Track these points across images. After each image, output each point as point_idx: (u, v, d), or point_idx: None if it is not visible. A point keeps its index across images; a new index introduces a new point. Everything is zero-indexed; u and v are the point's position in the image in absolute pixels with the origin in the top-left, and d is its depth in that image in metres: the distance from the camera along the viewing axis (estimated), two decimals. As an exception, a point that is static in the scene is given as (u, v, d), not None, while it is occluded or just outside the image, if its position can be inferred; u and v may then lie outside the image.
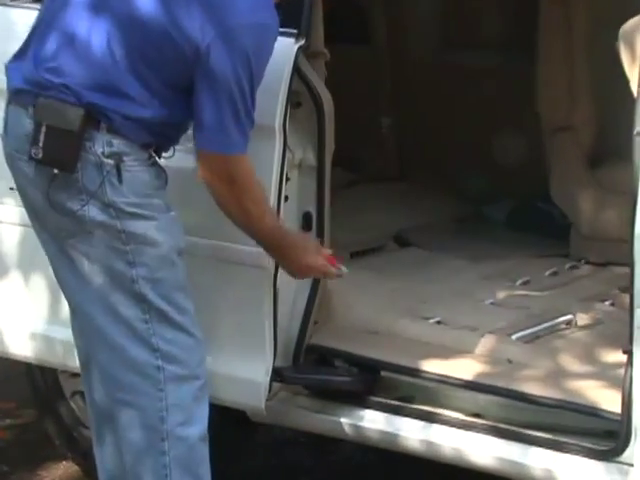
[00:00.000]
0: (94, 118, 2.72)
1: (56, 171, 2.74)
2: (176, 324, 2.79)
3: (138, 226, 2.75)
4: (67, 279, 2.84)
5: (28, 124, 2.75)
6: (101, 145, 2.72)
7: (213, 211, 2.90)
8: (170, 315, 2.79)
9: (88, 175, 2.73)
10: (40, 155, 2.74)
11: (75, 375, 3.51)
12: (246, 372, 3.01)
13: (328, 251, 2.97)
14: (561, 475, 2.89)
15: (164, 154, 2.88)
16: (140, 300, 2.77)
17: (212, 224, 2.98)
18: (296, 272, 2.94)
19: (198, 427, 2.81)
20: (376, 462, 3.51)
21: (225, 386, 3.04)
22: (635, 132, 2.72)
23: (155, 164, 2.83)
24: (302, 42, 2.92)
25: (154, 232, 2.76)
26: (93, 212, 2.73)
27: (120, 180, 2.73)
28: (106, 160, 2.73)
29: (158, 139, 2.82)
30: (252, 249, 2.92)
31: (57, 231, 2.81)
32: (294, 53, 2.91)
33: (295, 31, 2.92)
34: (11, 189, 3.04)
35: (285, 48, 2.89)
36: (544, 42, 3.95)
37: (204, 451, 2.84)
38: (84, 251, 2.77)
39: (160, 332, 2.78)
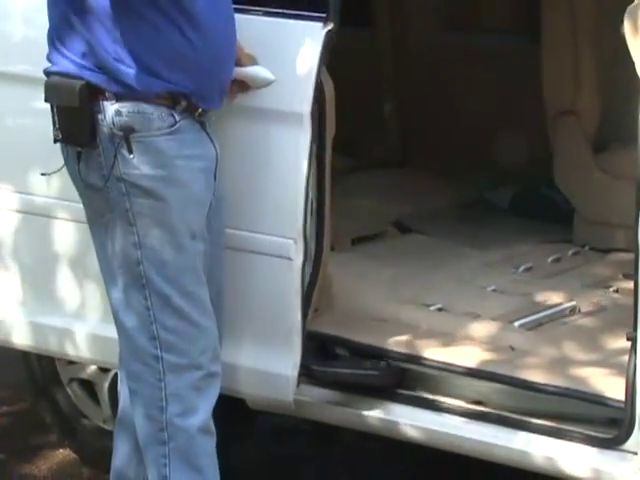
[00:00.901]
0: (95, 87, 2.68)
1: (79, 149, 2.72)
2: (179, 311, 2.74)
3: (145, 205, 2.70)
4: (99, 263, 2.82)
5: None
6: (111, 116, 2.67)
7: (241, 202, 2.90)
8: (173, 300, 2.73)
9: (105, 148, 2.70)
10: (60, 136, 2.74)
11: (72, 362, 3.55)
12: (274, 366, 2.98)
13: None
14: (564, 463, 2.88)
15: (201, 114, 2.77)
16: (143, 285, 2.74)
17: (239, 215, 2.96)
18: None
19: (198, 418, 2.78)
20: (377, 449, 3.50)
21: (252, 380, 3.02)
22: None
23: (181, 131, 2.74)
24: (330, 26, 2.88)
25: (163, 212, 2.71)
26: (112, 188, 2.70)
27: (130, 151, 2.68)
28: (117, 131, 2.68)
29: (165, 81, 2.70)
30: (278, 240, 2.91)
31: (93, 212, 2.79)
32: (323, 37, 2.87)
33: (323, 15, 2.88)
34: (43, 174, 3.04)
35: (313, 32, 2.88)
36: (548, 26, 3.94)
37: (205, 442, 2.81)
38: (108, 231, 2.75)
39: (161, 319, 2.74)
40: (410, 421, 2.96)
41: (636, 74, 2.81)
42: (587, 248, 3.79)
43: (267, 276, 2.98)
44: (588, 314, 3.38)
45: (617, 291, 3.44)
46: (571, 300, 3.42)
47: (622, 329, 2.85)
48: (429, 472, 3.56)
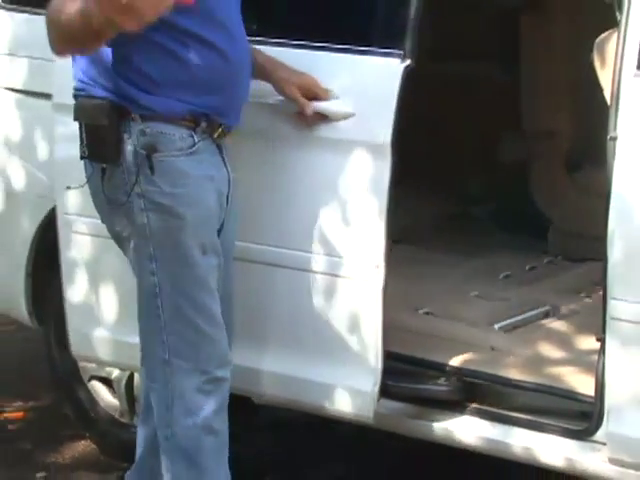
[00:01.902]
0: (123, 108, 2.65)
1: (104, 165, 2.70)
2: (188, 320, 2.72)
3: (162, 221, 2.67)
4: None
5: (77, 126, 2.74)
6: (135, 135, 2.64)
7: (324, 228, 2.88)
8: (183, 310, 2.71)
9: (128, 166, 2.66)
10: (87, 153, 2.72)
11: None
12: (356, 383, 2.92)
13: None
14: (539, 453, 2.89)
15: (219, 134, 2.74)
16: (156, 294, 2.72)
17: (323, 241, 2.92)
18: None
19: (202, 418, 2.74)
20: (375, 440, 3.48)
21: (335, 397, 2.96)
22: (609, 137, 2.72)
23: (199, 152, 2.70)
24: (407, 62, 2.84)
25: (178, 228, 2.67)
26: (133, 203, 2.67)
27: (152, 170, 2.65)
28: (140, 150, 2.65)
29: (186, 103, 2.67)
30: (361, 264, 2.87)
31: (113, 227, 2.76)
32: (401, 73, 2.83)
33: (401, 52, 2.84)
34: (68, 188, 3.02)
35: (392, 68, 2.84)
36: (526, 55, 3.95)
37: (208, 442, 2.76)
38: (130, 244, 2.73)
39: (171, 327, 2.72)
40: (476, 432, 2.94)
41: (604, 99, 2.83)
42: (560, 258, 3.80)
43: (351, 299, 2.92)
44: (561, 318, 3.39)
45: (588, 297, 3.44)
46: (546, 305, 3.43)
47: (592, 331, 2.86)
48: (426, 462, 3.54)
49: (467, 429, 2.94)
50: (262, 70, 2.88)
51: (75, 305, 3.23)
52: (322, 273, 2.93)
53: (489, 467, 3.23)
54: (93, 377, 3.57)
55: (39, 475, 3.55)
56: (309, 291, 2.94)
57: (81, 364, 3.56)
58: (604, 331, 2.75)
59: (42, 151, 3.47)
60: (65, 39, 2.55)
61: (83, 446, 3.69)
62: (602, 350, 2.76)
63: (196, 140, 2.69)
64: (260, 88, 2.89)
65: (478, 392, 3.01)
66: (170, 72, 2.65)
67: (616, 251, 2.71)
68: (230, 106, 2.75)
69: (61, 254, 3.25)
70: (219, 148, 2.76)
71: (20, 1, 3.57)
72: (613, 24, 2.81)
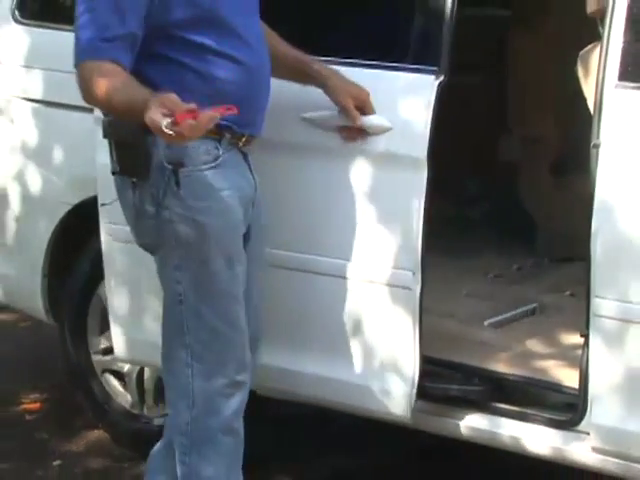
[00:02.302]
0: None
1: (134, 180, 2.67)
2: (210, 327, 2.69)
3: (187, 232, 2.63)
4: None
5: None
6: (162, 150, 2.59)
7: (364, 237, 2.85)
8: (206, 317, 2.68)
9: (155, 180, 2.62)
10: (118, 168, 2.70)
11: (105, 354, 3.56)
12: (395, 385, 2.90)
13: (184, 107, 2.34)
14: (527, 442, 2.90)
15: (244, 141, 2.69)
16: (180, 301, 2.69)
17: (362, 249, 2.89)
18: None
19: (220, 420, 2.73)
20: (374, 429, 3.48)
21: (374, 398, 2.94)
22: (592, 144, 2.74)
23: (224, 163, 2.65)
24: (442, 78, 2.82)
25: (202, 239, 2.63)
26: (160, 215, 2.65)
27: (178, 185, 2.61)
28: (167, 165, 2.61)
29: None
30: (399, 272, 2.85)
31: (143, 240, 2.74)
32: (435, 88, 2.81)
33: (435, 68, 2.82)
34: (103, 205, 3.01)
35: (427, 84, 2.82)
36: (515, 65, 3.97)
37: (226, 442, 2.75)
38: (159, 254, 2.72)
39: (193, 332, 2.69)
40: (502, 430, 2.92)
41: (588, 107, 2.85)
42: (546, 258, 3.81)
43: (389, 305, 2.89)
44: (547, 315, 3.40)
45: (572, 295, 3.46)
46: (533, 303, 3.45)
47: (576, 328, 2.87)
48: (422, 453, 3.54)
49: (498, 428, 2.93)
50: (316, 76, 2.83)
51: (119, 310, 3.21)
52: (362, 281, 2.91)
53: (487, 461, 3.26)
54: (106, 370, 3.58)
55: (55, 463, 3.56)
56: (350, 298, 2.92)
57: (94, 358, 3.57)
58: (588, 327, 2.76)
59: (57, 158, 3.49)
60: (104, 106, 2.56)
61: (96, 436, 3.68)
62: (586, 345, 2.77)
63: (221, 152, 2.65)
64: (300, 102, 2.89)
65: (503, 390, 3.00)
66: (190, 86, 2.59)
67: (599, 252, 2.72)
68: (252, 116, 2.70)
69: (105, 262, 3.23)
70: (244, 155, 2.73)
71: (36, 17, 3.59)
72: (596, 37, 2.83)
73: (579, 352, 2.81)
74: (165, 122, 2.28)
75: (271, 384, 3.07)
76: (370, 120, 2.85)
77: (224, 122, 2.60)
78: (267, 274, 2.91)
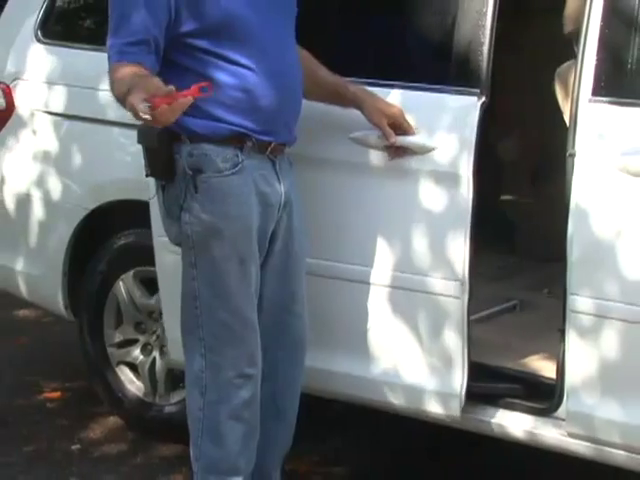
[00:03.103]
0: (173, 131, 2.59)
1: (163, 182, 2.68)
2: (223, 321, 2.68)
3: (203, 234, 2.63)
4: None
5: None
6: (185, 156, 2.60)
7: (414, 249, 2.81)
8: (219, 312, 2.67)
9: (179, 184, 2.62)
10: (149, 172, 2.70)
11: (120, 347, 3.56)
12: (446, 387, 2.87)
13: (163, 90, 2.32)
14: (510, 428, 2.90)
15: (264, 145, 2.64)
16: (195, 296, 2.69)
17: (413, 261, 2.85)
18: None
19: (230, 408, 2.72)
20: (368, 416, 3.47)
21: (426, 399, 2.91)
22: (568, 154, 2.74)
23: (244, 170, 2.62)
24: (483, 99, 2.78)
25: (217, 241, 2.62)
26: (182, 216, 2.65)
27: (196, 189, 2.60)
28: (188, 170, 2.61)
29: (228, 124, 2.59)
30: (448, 282, 2.82)
31: (171, 238, 2.73)
32: (478, 109, 2.77)
33: (477, 90, 2.77)
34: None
35: (470, 105, 2.77)
36: (500, 81, 3.95)
37: (237, 428, 2.74)
38: (181, 252, 2.71)
39: (207, 326, 2.69)
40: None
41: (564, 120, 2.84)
42: (526, 258, 3.78)
43: (440, 312, 2.85)
44: (527, 311, 3.39)
45: (550, 292, 3.44)
46: (513, 299, 3.43)
47: (554, 323, 2.86)
48: (419, 440, 3.52)
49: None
50: (353, 98, 2.79)
51: (172, 316, 3.13)
52: (414, 290, 2.87)
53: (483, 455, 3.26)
54: (120, 362, 3.57)
55: (74, 447, 3.55)
56: (403, 306, 2.88)
57: (110, 351, 3.57)
58: (564, 323, 2.76)
59: (76, 167, 3.48)
60: (120, 100, 2.49)
61: (112, 422, 3.68)
62: (562, 339, 2.77)
63: (240, 159, 2.62)
64: (348, 122, 2.85)
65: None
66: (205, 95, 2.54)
67: (574, 253, 2.72)
68: (273, 123, 2.65)
69: (158, 271, 3.21)
70: (273, 163, 2.69)
71: (56, 37, 3.59)
72: (572, 56, 2.83)
73: (556, 345, 2.80)
74: (142, 106, 2.25)
75: (336, 389, 3.04)
76: (411, 140, 2.80)
77: (243, 130, 2.59)
78: (325, 286, 2.91)
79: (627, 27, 2.69)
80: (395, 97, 2.85)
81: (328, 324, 2.98)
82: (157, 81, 2.36)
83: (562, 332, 2.77)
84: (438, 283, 2.84)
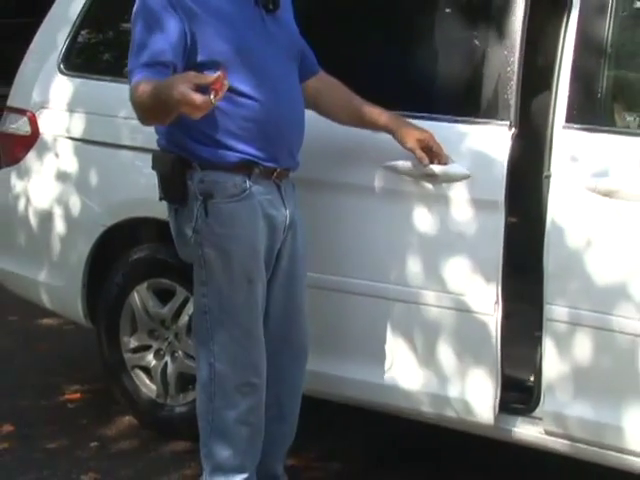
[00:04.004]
0: (185, 159, 2.59)
1: (176, 206, 2.67)
2: (230, 335, 2.67)
3: (213, 255, 2.62)
4: None
5: None
6: (196, 183, 2.57)
7: (450, 269, 2.78)
8: (227, 327, 2.66)
9: (191, 208, 2.61)
10: (162, 196, 2.68)
11: (135, 352, 3.55)
12: (480, 397, 2.84)
13: (210, 77, 2.28)
14: (492, 427, 2.89)
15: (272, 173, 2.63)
16: (205, 312, 2.69)
17: (447, 280, 2.82)
18: (180, 109, 2.31)
19: (237, 413, 2.71)
20: (361, 414, 3.47)
21: (462, 407, 2.88)
22: (544, 175, 2.75)
23: (252, 195, 2.60)
24: (514, 130, 2.74)
25: (225, 261, 2.61)
26: (193, 238, 2.64)
27: (207, 213, 2.59)
28: (199, 196, 2.59)
29: (236, 152, 2.56)
30: (481, 300, 2.78)
31: (183, 257, 2.73)
32: (509, 139, 2.75)
33: (508, 122, 2.74)
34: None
35: (502, 136, 2.74)
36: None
37: (243, 431, 2.74)
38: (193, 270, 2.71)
39: (216, 338, 2.69)
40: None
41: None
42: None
43: (476, 328, 2.81)
44: (507, 318, 3.37)
45: (528, 301, 3.42)
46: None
47: (532, 329, 2.86)
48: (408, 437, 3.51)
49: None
50: (387, 123, 2.76)
51: None
52: (451, 309, 2.84)
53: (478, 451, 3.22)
54: (135, 366, 3.56)
55: (92, 444, 3.54)
56: (442, 324, 2.85)
57: (125, 356, 3.55)
58: (541, 329, 2.76)
59: (94, 187, 3.47)
60: (144, 116, 2.49)
61: (127, 421, 3.67)
62: (539, 344, 2.78)
63: (248, 185, 2.60)
64: (382, 151, 2.82)
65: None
66: (217, 124, 2.55)
67: (550, 266, 2.73)
68: (276, 151, 2.64)
69: None
70: (278, 187, 2.67)
71: (77, 69, 3.58)
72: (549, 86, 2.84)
73: (534, 350, 2.80)
74: (211, 97, 2.20)
75: (383, 400, 3.01)
76: (446, 168, 2.76)
77: (250, 157, 2.59)
78: (370, 304, 2.90)
79: (597, 61, 2.70)
80: (435, 128, 2.79)
81: (372, 340, 2.95)
82: (193, 73, 2.29)
83: (539, 338, 2.77)
84: (475, 302, 2.80)
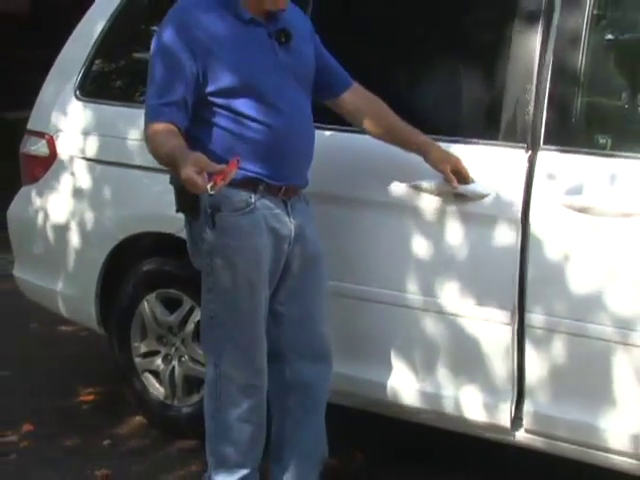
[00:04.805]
0: None
1: (190, 218, 2.67)
2: (234, 338, 2.66)
3: (219, 263, 2.61)
4: None
5: None
6: (206, 197, 2.53)
7: (469, 282, 2.74)
8: (231, 332, 2.66)
9: (201, 219, 2.62)
10: (178, 208, 2.69)
11: (145, 357, 3.53)
12: (498, 402, 2.79)
13: (217, 167, 2.33)
14: (477, 426, 2.88)
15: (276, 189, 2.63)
16: (212, 317, 2.69)
17: (467, 292, 2.78)
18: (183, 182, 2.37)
19: (239, 412, 2.71)
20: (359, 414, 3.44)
21: (480, 413, 2.83)
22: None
23: (257, 209, 2.60)
24: (530, 152, 2.70)
25: (230, 270, 2.61)
26: (203, 247, 2.65)
27: (214, 225, 2.60)
28: (208, 209, 2.60)
29: (242, 170, 2.50)
30: (499, 310, 2.74)
31: (196, 264, 2.72)
32: (526, 161, 2.70)
33: (524, 144, 2.70)
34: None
35: (519, 158, 2.70)
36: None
37: (246, 428, 2.73)
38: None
39: (221, 342, 2.68)
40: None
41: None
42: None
43: (493, 337, 2.77)
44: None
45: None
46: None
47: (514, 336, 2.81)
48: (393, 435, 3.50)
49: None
50: (421, 145, 2.74)
51: None
52: (466, 317, 2.81)
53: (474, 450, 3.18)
54: (145, 370, 3.55)
55: (105, 442, 3.52)
56: (465, 333, 2.81)
57: (136, 360, 3.54)
58: (522, 336, 2.75)
59: (107, 203, 3.47)
60: (155, 159, 2.54)
61: (137, 421, 3.65)
62: (521, 350, 2.76)
63: (253, 200, 2.61)
64: (409, 171, 2.80)
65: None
66: (226, 145, 2.58)
67: (529, 277, 2.72)
68: (284, 171, 2.64)
69: None
70: (285, 203, 2.67)
71: (92, 95, 3.58)
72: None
73: (516, 355, 2.78)
74: (210, 186, 2.28)
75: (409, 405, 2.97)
76: (467, 188, 2.74)
77: (255, 175, 2.60)
78: (393, 313, 2.88)
79: (571, 88, 2.70)
80: (456, 150, 2.78)
81: (405, 352, 2.93)
82: (204, 157, 2.35)
83: (520, 344, 2.76)
84: (491, 312, 2.75)
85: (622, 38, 2.81)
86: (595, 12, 2.68)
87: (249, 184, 2.61)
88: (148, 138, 2.54)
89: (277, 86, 2.62)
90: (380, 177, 2.89)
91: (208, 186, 2.28)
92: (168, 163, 2.48)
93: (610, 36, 2.79)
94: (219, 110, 2.59)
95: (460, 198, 2.77)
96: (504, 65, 2.79)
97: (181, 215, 2.74)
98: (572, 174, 2.68)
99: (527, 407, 2.78)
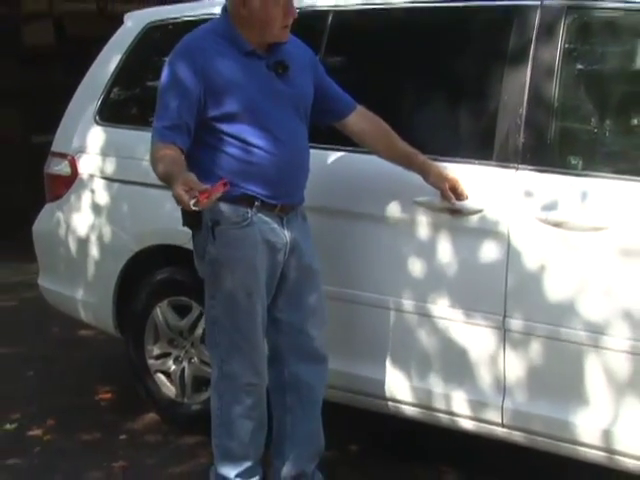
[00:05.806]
0: None
1: (194, 231, 2.67)
2: (234, 341, 2.65)
3: (219, 272, 2.61)
4: None
5: None
6: (207, 212, 2.55)
7: (464, 291, 2.72)
8: (231, 334, 2.65)
9: (203, 232, 2.62)
10: (184, 223, 2.69)
11: (157, 359, 3.51)
12: (489, 399, 2.76)
13: (202, 187, 2.30)
14: (461, 422, 2.85)
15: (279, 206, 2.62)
16: (214, 322, 2.69)
17: (462, 299, 2.75)
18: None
19: (241, 408, 2.70)
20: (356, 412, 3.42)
21: (473, 409, 2.80)
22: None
23: (253, 224, 2.59)
24: (520, 172, 2.67)
25: (229, 277, 2.60)
26: (204, 258, 2.65)
27: (214, 237, 2.60)
28: (209, 222, 2.60)
29: (239, 187, 2.54)
30: (491, 316, 2.71)
31: (200, 273, 2.71)
32: (516, 180, 2.67)
33: (515, 164, 2.68)
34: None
35: (509, 181, 2.69)
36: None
37: (247, 424, 2.71)
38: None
39: (222, 344, 2.68)
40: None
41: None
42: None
43: (485, 341, 2.74)
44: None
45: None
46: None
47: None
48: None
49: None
50: (421, 165, 2.73)
51: None
52: (460, 322, 2.77)
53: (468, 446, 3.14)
54: (157, 370, 3.53)
55: (121, 437, 3.50)
56: (461, 336, 2.78)
57: (149, 362, 3.52)
58: (504, 339, 2.73)
59: (124, 218, 3.46)
60: (157, 176, 2.51)
61: (151, 417, 3.63)
62: (502, 352, 2.74)
63: (250, 215, 2.60)
64: (412, 188, 2.78)
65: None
66: (225, 166, 2.58)
67: (509, 286, 2.71)
68: (280, 191, 2.63)
69: None
70: (281, 218, 2.66)
71: (110, 120, 3.58)
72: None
73: (498, 358, 2.76)
74: (192, 202, 2.28)
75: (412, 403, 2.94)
76: (463, 204, 2.73)
77: (251, 193, 2.60)
78: (391, 318, 2.85)
79: (546, 114, 2.70)
80: (454, 169, 2.76)
81: (406, 354, 2.90)
82: (193, 177, 2.34)
83: (502, 346, 2.74)
84: (484, 317, 2.73)
85: (591, 69, 2.81)
86: (567, 46, 2.68)
87: (246, 200, 2.61)
88: (151, 157, 2.54)
89: (274, 113, 2.61)
90: (382, 194, 2.88)
91: (191, 202, 2.28)
92: (165, 180, 2.47)
93: (581, 67, 2.79)
94: (218, 134, 2.58)
95: (457, 213, 2.76)
96: (498, 92, 2.77)
97: (188, 229, 2.73)
98: (547, 192, 2.68)
99: (507, 404, 2.76)
